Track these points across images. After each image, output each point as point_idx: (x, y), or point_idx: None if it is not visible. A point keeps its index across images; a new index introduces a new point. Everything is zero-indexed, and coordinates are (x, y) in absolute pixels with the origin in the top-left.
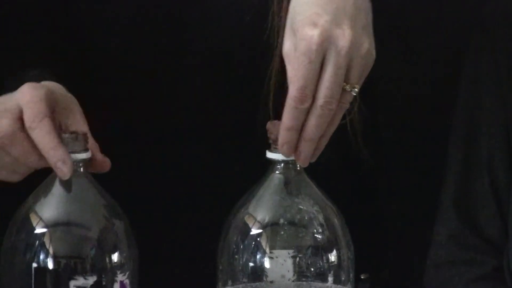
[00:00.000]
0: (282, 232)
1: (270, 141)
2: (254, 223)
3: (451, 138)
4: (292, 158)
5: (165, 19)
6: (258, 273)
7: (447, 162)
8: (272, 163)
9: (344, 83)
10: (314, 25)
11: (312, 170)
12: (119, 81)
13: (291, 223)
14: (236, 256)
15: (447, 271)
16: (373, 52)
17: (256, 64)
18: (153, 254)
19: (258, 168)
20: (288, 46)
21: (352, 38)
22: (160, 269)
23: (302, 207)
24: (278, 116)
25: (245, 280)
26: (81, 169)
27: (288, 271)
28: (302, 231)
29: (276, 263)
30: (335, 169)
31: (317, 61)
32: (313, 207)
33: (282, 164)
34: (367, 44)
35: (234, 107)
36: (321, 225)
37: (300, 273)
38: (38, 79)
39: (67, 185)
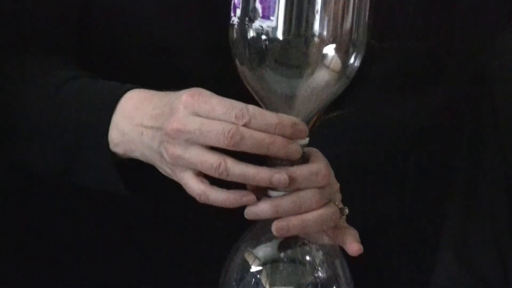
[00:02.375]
0: (282, 269)
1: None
2: (254, 260)
3: (452, 185)
4: None
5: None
6: None
7: (446, 207)
8: None
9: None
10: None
11: None
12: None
13: (291, 260)
14: None
15: None
16: None
17: None
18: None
19: None
20: None
21: None
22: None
23: (302, 244)
24: None
25: None
26: None
27: None
28: (302, 268)
29: None
30: None
31: None
32: (313, 244)
33: None
34: None
35: None
36: (321, 263)
37: None
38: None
39: None
